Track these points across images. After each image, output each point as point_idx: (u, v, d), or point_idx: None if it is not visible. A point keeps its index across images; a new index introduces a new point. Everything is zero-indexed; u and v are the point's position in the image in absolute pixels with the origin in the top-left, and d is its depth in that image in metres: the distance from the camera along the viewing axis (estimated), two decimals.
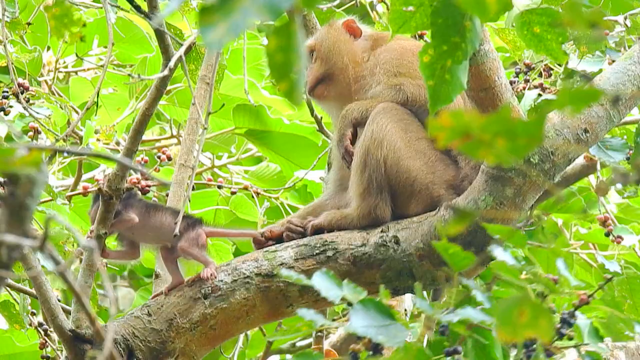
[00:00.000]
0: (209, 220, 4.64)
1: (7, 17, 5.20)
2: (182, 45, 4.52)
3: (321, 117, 5.85)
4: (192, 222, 4.51)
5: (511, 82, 5.01)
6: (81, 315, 4.36)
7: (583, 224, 6.04)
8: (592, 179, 5.82)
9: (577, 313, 3.16)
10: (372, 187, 4.49)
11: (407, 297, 5.58)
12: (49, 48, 6.56)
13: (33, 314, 5.62)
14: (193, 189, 5.87)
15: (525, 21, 3.76)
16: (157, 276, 4.90)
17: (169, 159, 6.23)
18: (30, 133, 5.49)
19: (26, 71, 5.64)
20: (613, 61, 4.72)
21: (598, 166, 5.34)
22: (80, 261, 4.60)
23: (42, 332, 5.58)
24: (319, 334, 5.83)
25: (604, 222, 5.61)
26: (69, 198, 5.99)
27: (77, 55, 6.48)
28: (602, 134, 4.36)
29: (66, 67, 6.92)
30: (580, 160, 5.37)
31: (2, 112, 5.38)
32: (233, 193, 6.52)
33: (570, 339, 3.15)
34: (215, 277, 4.42)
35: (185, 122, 5.51)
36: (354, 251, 4.44)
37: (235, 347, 6.16)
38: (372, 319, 3.02)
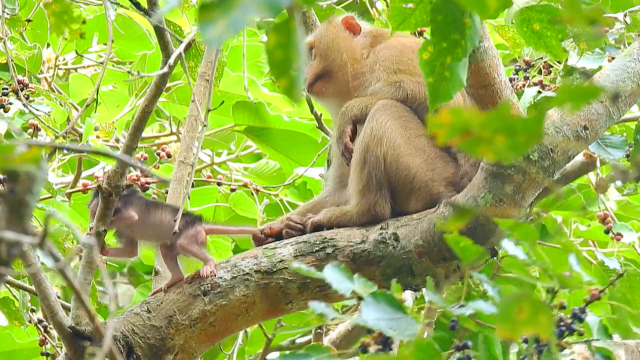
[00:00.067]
0: (208, 217, 4.63)
1: (7, 14, 5.20)
2: (181, 42, 4.52)
3: (321, 114, 5.84)
4: (191, 220, 4.51)
5: (511, 80, 5.00)
6: (81, 312, 4.36)
7: (583, 221, 6.04)
8: (591, 176, 5.82)
9: (585, 310, 3.16)
10: (372, 184, 4.49)
11: (407, 294, 5.58)
12: (48, 45, 6.55)
13: (33, 310, 5.61)
14: (192, 186, 5.86)
15: (524, 18, 3.76)
16: (156, 273, 4.90)
17: (169, 156, 6.22)
18: (30, 130, 5.48)
19: (26, 68, 5.63)
20: (613, 58, 4.71)
21: (598, 163, 5.34)
22: (80, 258, 4.60)
23: (42, 329, 5.57)
24: (319, 330, 5.83)
25: (603, 220, 5.61)
26: (69, 195, 5.99)
27: (76, 52, 6.48)
28: (602, 131, 4.36)
29: (66, 64, 6.91)
30: (579, 158, 5.37)
31: (1, 109, 5.38)
32: (232, 190, 6.52)
33: (580, 334, 3.15)
34: (215, 274, 4.42)
35: (185, 119, 5.50)
36: (354, 248, 4.44)
37: (235, 344, 6.16)
38: (383, 311, 3.02)
